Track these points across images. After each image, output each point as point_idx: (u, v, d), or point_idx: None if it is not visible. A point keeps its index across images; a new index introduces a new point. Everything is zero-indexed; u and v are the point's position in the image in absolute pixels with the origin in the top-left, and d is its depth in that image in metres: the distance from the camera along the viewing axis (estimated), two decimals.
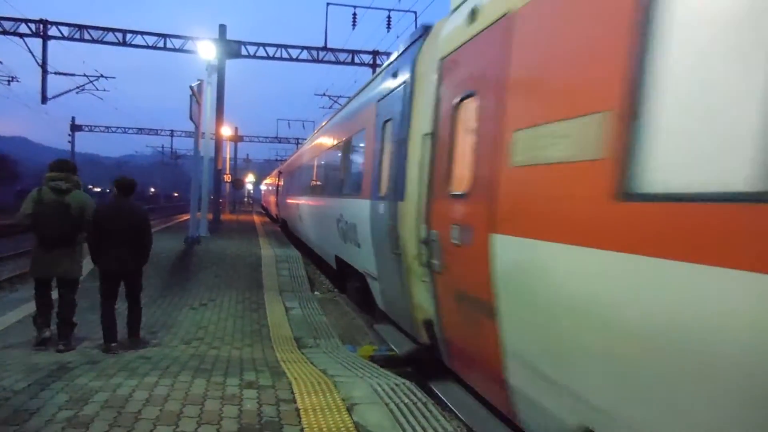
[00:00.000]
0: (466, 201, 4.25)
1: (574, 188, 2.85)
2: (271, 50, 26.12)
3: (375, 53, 27.15)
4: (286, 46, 26.39)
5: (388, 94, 7.09)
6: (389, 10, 24.70)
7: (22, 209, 5.92)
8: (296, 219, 18.84)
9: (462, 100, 4.56)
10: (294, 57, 26.48)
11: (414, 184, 5.53)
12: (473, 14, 4.50)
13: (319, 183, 13.93)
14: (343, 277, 10.69)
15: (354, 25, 24.50)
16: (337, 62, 26.85)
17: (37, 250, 5.99)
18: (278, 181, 32.22)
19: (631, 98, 2.45)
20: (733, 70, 2.03)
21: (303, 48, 26.47)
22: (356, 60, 27.11)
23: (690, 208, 2.11)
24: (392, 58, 7.42)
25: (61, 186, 5.92)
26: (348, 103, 11.61)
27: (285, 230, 24.93)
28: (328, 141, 12.84)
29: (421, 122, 5.55)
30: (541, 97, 3.37)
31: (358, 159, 8.96)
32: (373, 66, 26.98)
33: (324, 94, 36.03)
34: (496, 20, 4.01)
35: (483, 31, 4.26)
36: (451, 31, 5.11)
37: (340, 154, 10.91)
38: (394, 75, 6.87)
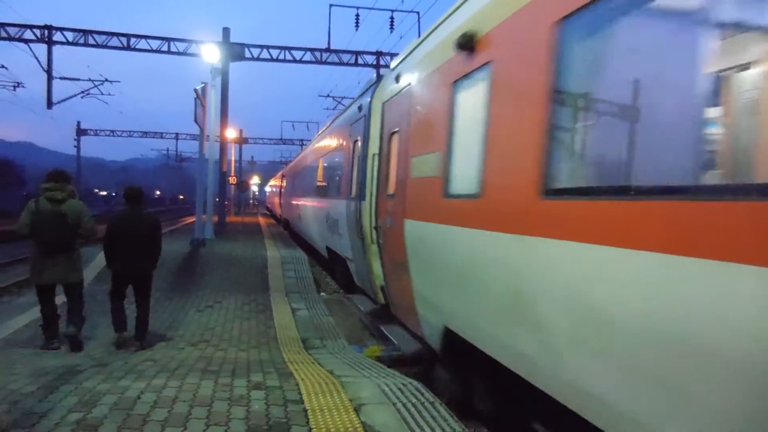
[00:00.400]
0: (393, 199, 6.45)
1: (431, 191, 5.13)
2: (274, 52, 26.15)
3: (378, 54, 27.13)
4: (289, 48, 26.42)
5: (356, 121, 9.39)
6: (392, 11, 24.69)
7: (21, 220, 6.17)
8: (296, 218, 21.61)
9: (392, 133, 6.83)
10: (297, 59, 26.50)
11: (369, 188, 7.82)
12: (398, 77, 6.85)
13: (312, 187, 16.04)
14: (333, 264, 12.75)
15: (357, 26, 24.51)
16: (341, 63, 26.86)
17: (37, 257, 6.21)
18: (281, 183, 35.07)
19: (446, 148, 4.84)
20: (466, 149, 4.41)
21: (306, 50, 26.49)
22: (360, 61, 27.11)
23: (460, 201, 4.48)
24: (360, 92, 10.41)
25: (57, 196, 6.19)
26: (333, 120, 14.35)
27: (288, 230, 26.57)
28: (319, 152, 15.26)
29: (373, 145, 7.91)
30: (420, 140, 5.70)
31: (339, 168, 11.14)
32: (377, 67, 26.94)
33: (328, 95, 36.03)
34: (406, 86, 6.35)
35: (401, 90, 6.55)
36: (389, 83, 7.48)
37: (327, 163, 13.41)
38: (359, 108, 9.23)
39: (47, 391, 4.27)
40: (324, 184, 13.67)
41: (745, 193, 2.09)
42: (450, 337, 4.83)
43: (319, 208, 13.91)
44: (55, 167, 6.75)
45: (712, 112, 2.44)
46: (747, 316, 2.00)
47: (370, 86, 8.99)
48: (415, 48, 6.46)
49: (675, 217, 2.29)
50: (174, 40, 25.52)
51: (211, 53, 19.42)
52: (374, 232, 7.37)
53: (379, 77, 8.77)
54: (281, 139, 58.19)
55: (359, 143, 8.92)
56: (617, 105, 2.98)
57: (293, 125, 53.81)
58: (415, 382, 4.74)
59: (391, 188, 6.65)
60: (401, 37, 24.87)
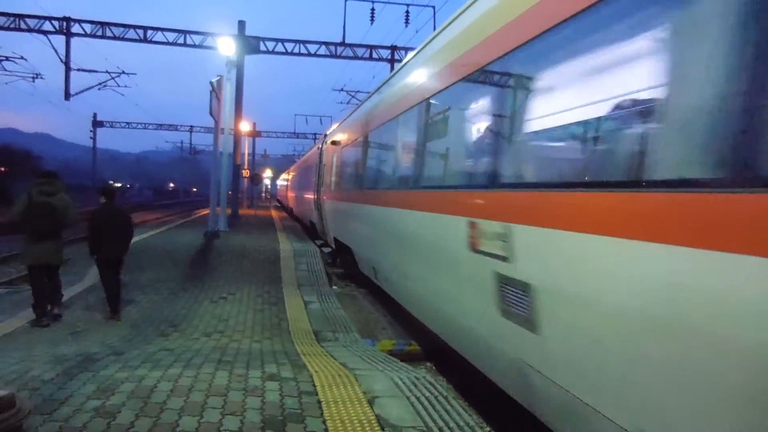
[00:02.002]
0: (323, 191, 16.02)
1: (328, 188, 15.02)
2: (289, 46, 26.22)
3: (393, 48, 27.09)
4: (304, 42, 26.46)
5: (318, 152, 18.70)
6: (407, 5, 24.62)
7: (13, 210, 7.12)
8: (295, 204, 32.31)
9: (324, 164, 16.42)
10: (312, 52, 26.55)
11: (319, 186, 17.18)
12: (325, 137, 17.64)
13: (302, 184, 26.34)
14: (312, 229, 21.27)
15: (372, 20, 24.48)
16: (355, 57, 26.88)
17: (29, 242, 7.19)
18: (288, 180, 46.26)
19: (329, 173, 15.16)
20: (330, 175, 14.77)
21: (321, 43, 26.52)
22: (374, 55, 27.11)
23: (330, 191, 14.56)
24: (320, 138, 20.84)
25: (48, 189, 7.21)
26: (311, 148, 27.99)
27: (292, 216, 33.99)
28: (306, 163, 26.28)
29: (320, 165, 17.30)
30: (327, 169, 15.42)
31: (312, 175, 20.07)
32: (391, 61, 26.90)
33: (342, 90, 36.04)
34: (326, 145, 16.32)
35: (326, 146, 16.25)
36: (325, 140, 17.36)
37: (308, 172, 23.06)
38: (318, 148, 19.10)
39: (66, 378, 4.34)
40: (307, 183, 23.12)
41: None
42: (337, 241, 13.24)
43: (305, 197, 23.51)
44: (43, 169, 8.17)
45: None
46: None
47: (323, 136, 18.87)
48: (327, 133, 17.03)
49: (345, 194, 11.94)
50: (190, 32, 25.68)
51: (226, 46, 19.50)
52: (318, 204, 17.04)
53: (325, 135, 18.15)
54: (295, 132, 58.35)
55: (318, 163, 17.97)
56: (342, 168, 12.75)
57: (306, 119, 53.93)
58: (428, 376, 4.77)
59: (323, 187, 15.96)
60: (417, 31, 24.98)
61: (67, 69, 26.10)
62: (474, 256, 4.23)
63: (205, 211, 26.14)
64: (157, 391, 4.10)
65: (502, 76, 4.19)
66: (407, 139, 6.97)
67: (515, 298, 3.59)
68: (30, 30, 24.32)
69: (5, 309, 7.85)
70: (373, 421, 3.66)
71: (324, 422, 3.65)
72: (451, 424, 3.67)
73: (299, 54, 26.60)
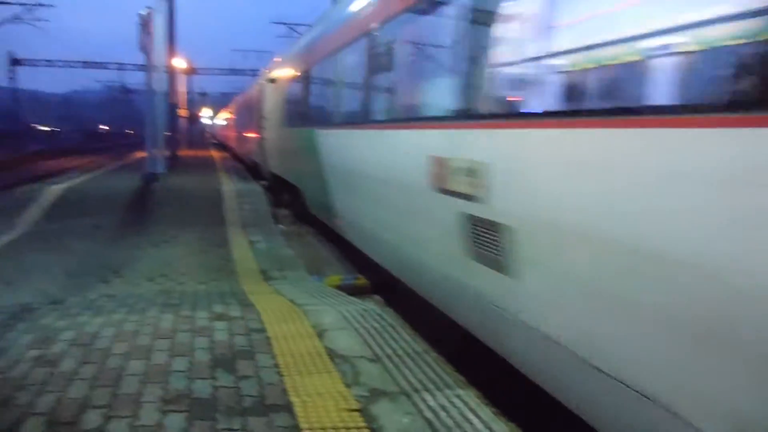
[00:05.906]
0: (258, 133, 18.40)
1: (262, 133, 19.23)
2: None
3: None
4: None
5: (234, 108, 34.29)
6: None
7: None
8: (225, 139, 42.60)
9: (235, 117, 33.30)
10: None
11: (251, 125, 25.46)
12: (234, 102, 36.44)
13: (235, 124, 35.06)
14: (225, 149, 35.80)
15: None
16: None
17: None
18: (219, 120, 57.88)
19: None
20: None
21: None
22: None
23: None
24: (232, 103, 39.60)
25: None
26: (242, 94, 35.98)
27: (221, 147, 43.84)
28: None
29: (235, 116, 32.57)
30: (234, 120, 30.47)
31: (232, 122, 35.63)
32: None
33: (281, 23, 34.56)
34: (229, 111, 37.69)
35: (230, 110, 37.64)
36: (233, 105, 36.30)
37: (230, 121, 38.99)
38: (230, 112, 38.51)
39: (2, 329, 4.18)
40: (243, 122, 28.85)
41: None
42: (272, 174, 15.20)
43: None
44: None
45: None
46: None
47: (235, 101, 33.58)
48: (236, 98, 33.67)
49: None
50: None
51: None
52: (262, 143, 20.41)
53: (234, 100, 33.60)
54: (233, 69, 55.94)
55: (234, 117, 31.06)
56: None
57: (245, 55, 51.70)
58: (376, 308, 4.87)
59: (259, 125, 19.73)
60: None
61: None
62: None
63: (142, 154, 25.14)
64: (100, 337, 4.02)
65: None
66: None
67: None
68: None
69: None
70: (322, 353, 3.73)
71: (274, 357, 3.69)
72: (399, 352, 3.78)
73: None
